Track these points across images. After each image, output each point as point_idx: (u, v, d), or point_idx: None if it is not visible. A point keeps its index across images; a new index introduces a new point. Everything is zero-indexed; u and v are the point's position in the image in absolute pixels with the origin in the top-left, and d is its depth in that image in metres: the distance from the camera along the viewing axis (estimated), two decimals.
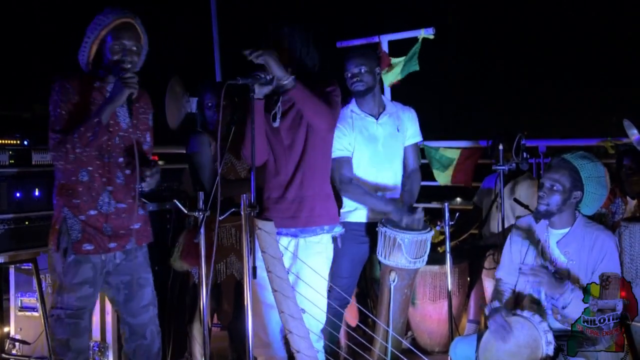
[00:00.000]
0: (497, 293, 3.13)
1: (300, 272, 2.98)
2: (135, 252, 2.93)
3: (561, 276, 2.93)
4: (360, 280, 3.87)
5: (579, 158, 2.96)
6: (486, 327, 2.98)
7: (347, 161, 3.46)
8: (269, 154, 3.02)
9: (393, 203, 3.42)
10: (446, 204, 3.44)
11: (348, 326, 3.84)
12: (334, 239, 3.13)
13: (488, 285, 4.08)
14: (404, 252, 3.24)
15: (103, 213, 2.82)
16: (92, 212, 2.80)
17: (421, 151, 5.21)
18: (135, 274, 2.93)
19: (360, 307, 3.93)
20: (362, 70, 3.45)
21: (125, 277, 2.92)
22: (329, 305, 3.24)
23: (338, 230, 3.08)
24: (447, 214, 3.42)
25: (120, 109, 2.86)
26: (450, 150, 5.15)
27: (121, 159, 2.87)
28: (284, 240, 2.98)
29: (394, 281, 3.33)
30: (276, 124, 2.95)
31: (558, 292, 2.84)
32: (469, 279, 4.39)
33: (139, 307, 2.95)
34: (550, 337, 2.80)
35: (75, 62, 2.92)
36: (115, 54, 2.80)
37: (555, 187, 2.92)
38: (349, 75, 3.49)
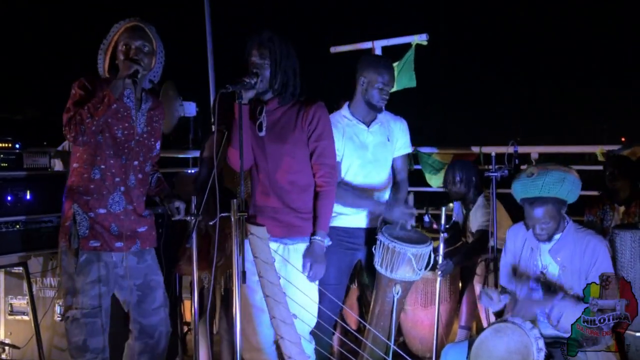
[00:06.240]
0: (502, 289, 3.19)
1: (290, 275, 2.96)
2: (144, 255, 3.03)
3: (554, 288, 2.94)
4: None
5: (553, 184, 2.88)
6: (477, 334, 2.98)
7: None
8: (252, 162, 3.01)
9: (384, 203, 3.40)
10: (443, 209, 3.45)
11: (341, 332, 3.83)
12: None
13: (480, 291, 4.08)
14: (413, 265, 3.21)
15: (112, 212, 2.91)
16: (102, 211, 2.89)
17: (414, 157, 5.24)
18: (147, 277, 3.04)
19: (351, 312, 3.92)
20: (389, 89, 3.43)
21: (138, 280, 3.01)
22: (322, 312, 3.23)
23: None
24: (443, 218, 3.43)
25: (140, 116, 2.97)
26: (442, 155, 5.19)
27: (136, 162, 2.98)
28: (273, 245, 2.94)
29: (397, 294, 3.31)
30: (262, 134, 2.95)
31: (548, 305, 2.86)
32: (460, 284, 4.39)
33: (151, 308, 3.04)
34: (541, 343, 2.80)
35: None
36: (123, 54, 2.89)
37: (547, 223, 2.94)
38: (380, 87, 3.38)
